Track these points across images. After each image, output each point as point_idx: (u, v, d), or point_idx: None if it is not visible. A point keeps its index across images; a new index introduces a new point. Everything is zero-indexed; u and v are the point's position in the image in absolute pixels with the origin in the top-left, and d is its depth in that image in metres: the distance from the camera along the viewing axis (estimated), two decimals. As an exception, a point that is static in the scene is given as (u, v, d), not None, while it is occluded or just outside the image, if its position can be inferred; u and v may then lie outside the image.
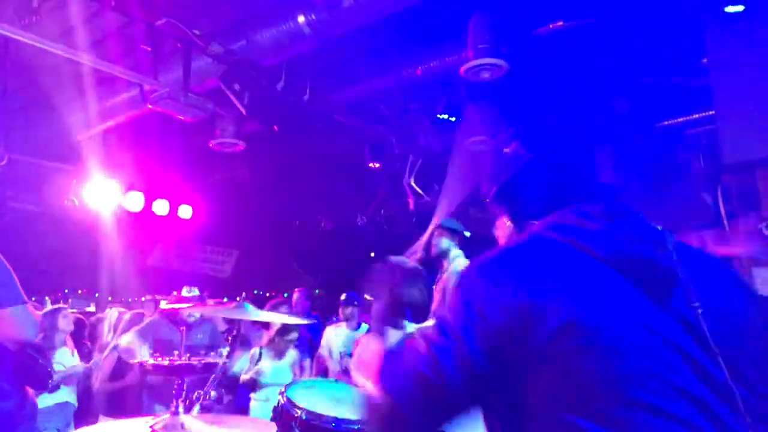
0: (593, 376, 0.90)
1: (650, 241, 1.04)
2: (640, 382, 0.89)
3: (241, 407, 5.00)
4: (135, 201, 7.10)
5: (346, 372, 5.25)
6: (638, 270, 0.99)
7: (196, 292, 4.98)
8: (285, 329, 4.69)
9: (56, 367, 4.36)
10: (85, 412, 4.66)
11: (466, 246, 4.62)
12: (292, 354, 4.82)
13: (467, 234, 4.65)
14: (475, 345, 0.96)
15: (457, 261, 4.54)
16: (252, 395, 4.57)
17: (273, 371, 4.57)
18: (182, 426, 1.86)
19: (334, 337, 5.73)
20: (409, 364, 1.03)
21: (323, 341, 5.82)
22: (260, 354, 4.70)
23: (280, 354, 4.71)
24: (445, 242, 4.55)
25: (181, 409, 1.96)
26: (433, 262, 4.63)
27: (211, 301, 4.06)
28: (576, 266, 0.99)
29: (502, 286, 0.98)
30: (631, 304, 0.96)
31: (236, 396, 5.20)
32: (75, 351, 4.92)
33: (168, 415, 1.92)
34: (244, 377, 4.63)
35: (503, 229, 1.27)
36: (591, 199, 1.14)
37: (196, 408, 2.23)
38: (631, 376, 0.90)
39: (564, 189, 1.18)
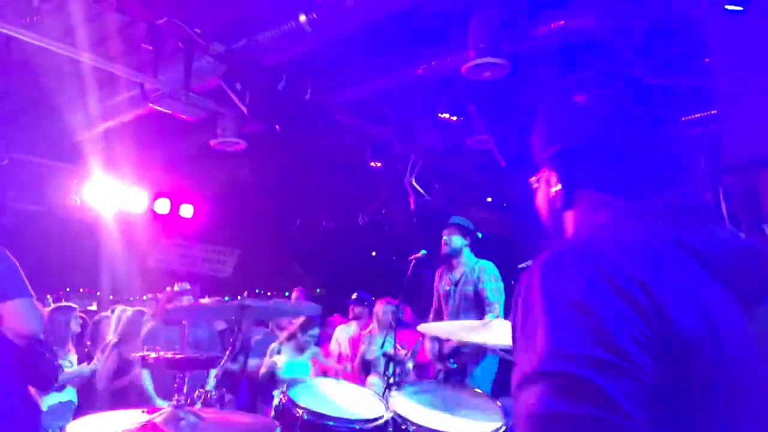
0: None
1: (750, 254, 0.92)
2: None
3: (242, 407, 5.00)
4: (136, 200, 7.11)
5: (353, 371, 5.26)
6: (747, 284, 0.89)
7: (186, 286, 5.02)
8: (307, 325, 4.68)
9: (65, 365, 4.39)
10: (85, 410, 4.67)
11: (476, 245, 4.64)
12: (313, 350, 4.82)
13: (479, 235, 4.66)
14: (640, 356, 0.74)
15: (470, 259, 4.55)
16: (274, 392, 4.59)
17: (291, 366, 4.55)
18: (183, 419, 1.85)
19: (344, 336, 5.74)
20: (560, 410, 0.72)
21: (333, 340, 5.84)
22: (279, 350, 4.69)
23: (301, 350, 4.69)
24: (457, 241, 4.57)
25: (182, 403, 1.95)
26: (445, 261, 4.63)
27: (206, 300, 4.07)
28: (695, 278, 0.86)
29: (626, 282, 0.79)
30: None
31: (237, 395, 5.20)
32: (73, 349, 4.94)
33: (169, 408, 1.92)
34: (261, 371, 4.64)
35: (547, 191, 1.06)
36: (671, 188, 0.97)
37: (198, 406, 2.23)
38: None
39: (647, 166, 0.99)
